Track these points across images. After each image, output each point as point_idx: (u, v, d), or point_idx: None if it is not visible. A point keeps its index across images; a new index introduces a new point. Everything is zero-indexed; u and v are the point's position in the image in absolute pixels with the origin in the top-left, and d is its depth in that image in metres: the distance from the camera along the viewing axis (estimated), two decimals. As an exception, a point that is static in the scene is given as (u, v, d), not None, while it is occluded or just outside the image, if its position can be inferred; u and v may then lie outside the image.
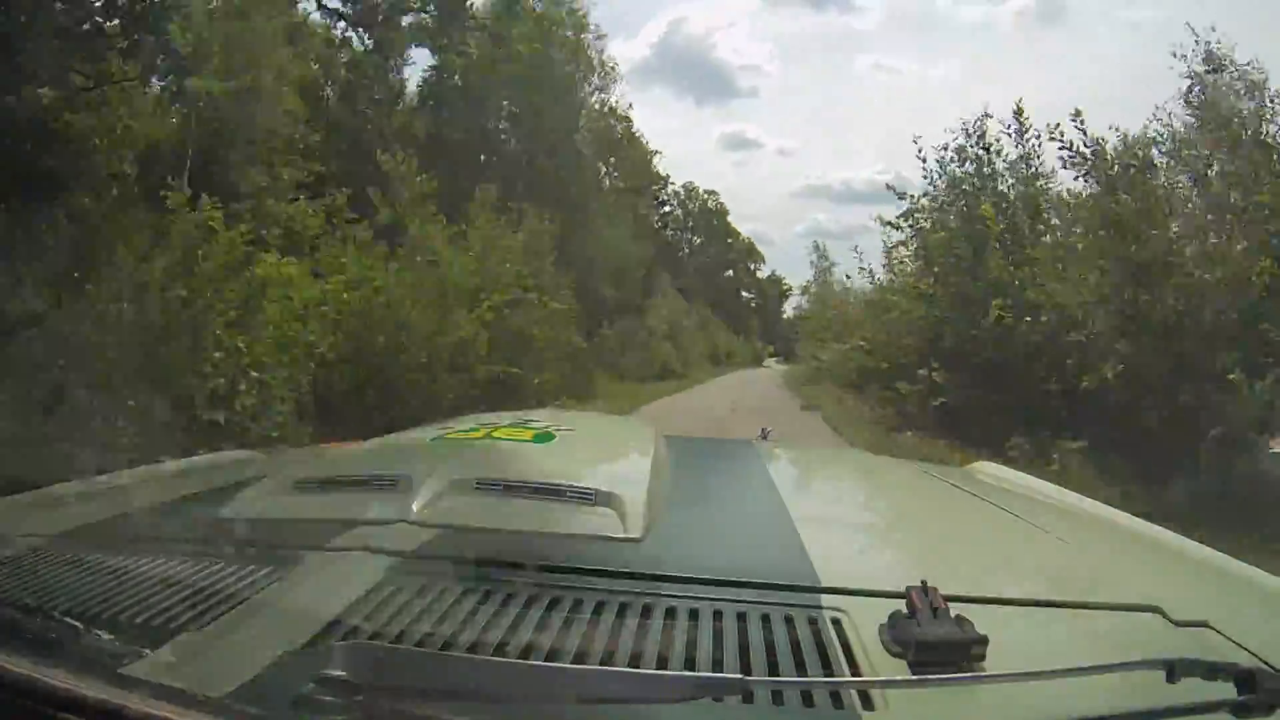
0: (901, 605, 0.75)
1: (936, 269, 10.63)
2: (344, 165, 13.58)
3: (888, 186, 11.82)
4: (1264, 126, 7.33)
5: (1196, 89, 8.02)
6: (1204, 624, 0.81)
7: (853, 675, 0.69)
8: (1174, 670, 0.60)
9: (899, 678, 0.68)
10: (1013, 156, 10.60)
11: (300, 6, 14.83)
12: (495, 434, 1.44)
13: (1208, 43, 8.00)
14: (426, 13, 18.02)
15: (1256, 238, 6.60)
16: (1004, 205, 10.30)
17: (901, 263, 12.71)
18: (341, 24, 17.19)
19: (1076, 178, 8.37)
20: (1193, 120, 8.04)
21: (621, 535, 0.98)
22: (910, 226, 11.63)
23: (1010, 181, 10.74)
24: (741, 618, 0.78)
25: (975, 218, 10.20)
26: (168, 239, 6.28)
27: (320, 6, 16.40)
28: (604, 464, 1.44)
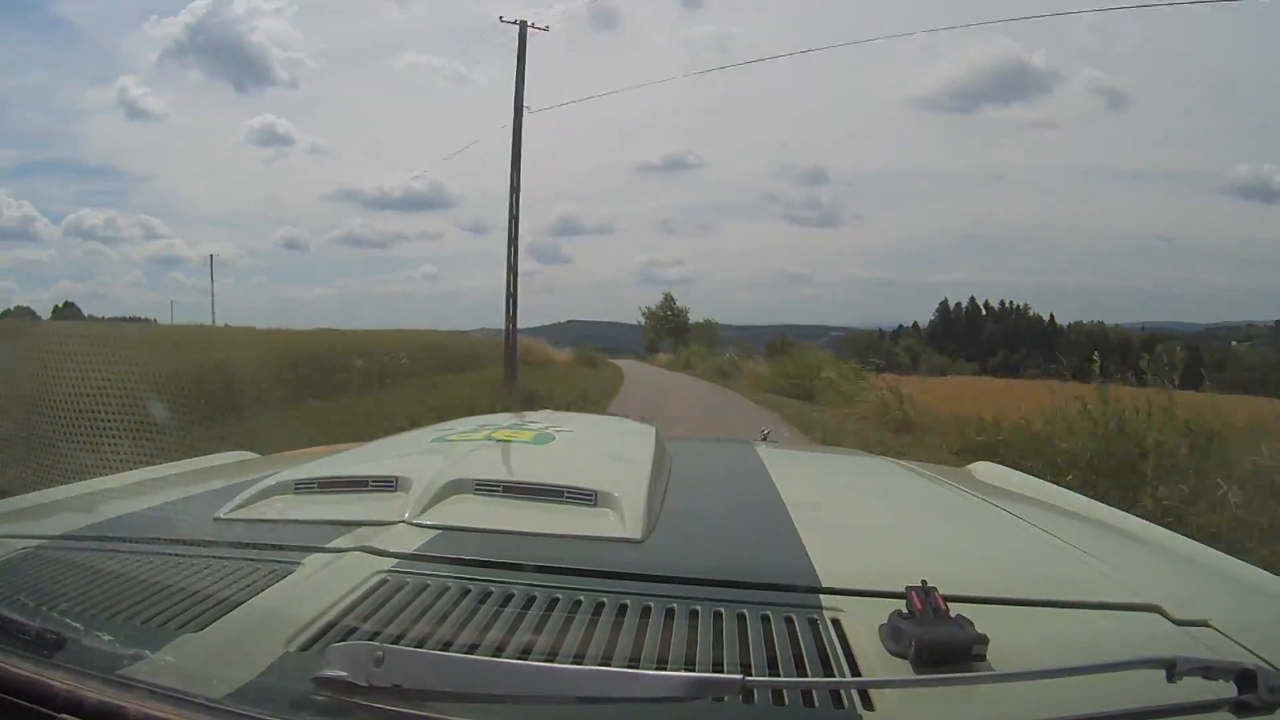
0: (901, 605, 0.75)
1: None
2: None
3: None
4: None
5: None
6: (1204, 623, 0.81)
7: (853, 675, 0.69)
8: (1174, 669, 0.60)
9: (899, 677, 0.68)
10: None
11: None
12: (494, 435, 1.44)
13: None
14: None
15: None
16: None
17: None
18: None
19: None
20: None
21: (621, 536, 0.98)
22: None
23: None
24: (741, 618, 0.78)
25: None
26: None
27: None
28: (603, 465, 1.44)
